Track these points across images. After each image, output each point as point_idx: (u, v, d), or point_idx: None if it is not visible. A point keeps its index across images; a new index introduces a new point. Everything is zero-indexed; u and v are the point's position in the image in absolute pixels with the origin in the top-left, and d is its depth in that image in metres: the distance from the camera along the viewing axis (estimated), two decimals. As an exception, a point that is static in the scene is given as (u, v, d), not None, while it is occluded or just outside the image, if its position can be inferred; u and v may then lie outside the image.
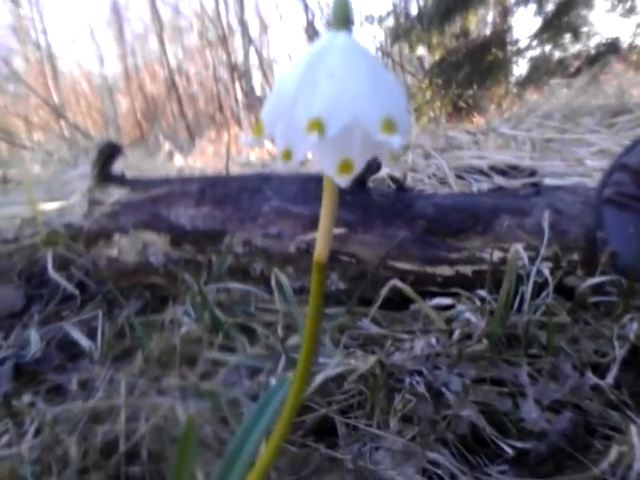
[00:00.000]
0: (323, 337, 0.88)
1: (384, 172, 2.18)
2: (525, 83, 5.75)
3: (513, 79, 6.08)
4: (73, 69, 7.73)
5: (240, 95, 7.71)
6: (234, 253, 1.18)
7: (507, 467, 0.64)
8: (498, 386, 0.76)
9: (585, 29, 5.14)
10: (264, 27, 8.47)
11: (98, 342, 1.02)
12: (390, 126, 0.28)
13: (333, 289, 1.12)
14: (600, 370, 0.79)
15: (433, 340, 0.84)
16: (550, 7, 5.19)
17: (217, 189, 1.25)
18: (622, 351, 0.80)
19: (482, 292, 0.95)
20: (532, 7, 5.37)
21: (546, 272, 0.96)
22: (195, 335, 0.94)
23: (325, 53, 0.29)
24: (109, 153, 1.28)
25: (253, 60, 8.01)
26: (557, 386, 0.76)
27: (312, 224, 1.15)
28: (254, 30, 8.45)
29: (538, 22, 5.33)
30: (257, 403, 0.55)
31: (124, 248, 1.24)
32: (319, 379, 0.74)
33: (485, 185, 1.91)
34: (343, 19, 0.30)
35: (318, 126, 0.27)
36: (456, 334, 0.85)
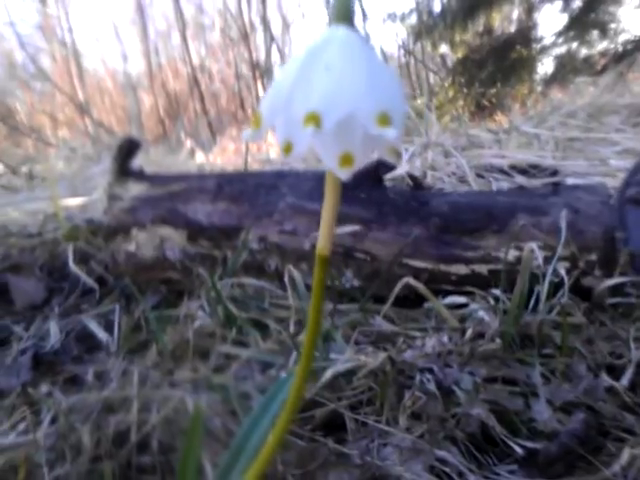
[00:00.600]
0: (335, 333, 0.89)
1: (403, 170, 2.18)
2: (550, 81, 5.67)
3: (538, 77, 5.99)
4: (98, 67, 7.86)
5: (262, 93, 7.75)
6: (250, 249, 1.19)
7: (516, 467, 0.64)
8: (510, 385, 0.75)
9: (613, 26, 5.04)
10: (286, 25, 8.49)
11: (115, 335, 1.03)
12: (385, 120, 0.28)
13: (347, 286, 1.12)
14: (615, 372, 0.78)
15: (445, 338, 0.83)
16: (577, 3, 5.09)
17: (234, 185, 1.26)
18: (638, 353, 0.79)
19: (496, 291, 0.94)
20: (558, 4, 5.27)
21: (562, 272, 0.94)
22: (209, 329, 0.95)
23: (324, 47, 0.29)
24: (128, 149, 1.30)
25: (275, 58, 8.05)
26: (570, 387, 0.75)
27: (327, 221, 1.15)
28: (276, 28, 8.48)
29: (564, 19, 5.24)
30: (264, 396, 0.55)
31: (142, 243, 1.26)
32: (329, 374, 0.74)
33: (505, 184, 1.89)
34: (343, 14, 0.30)
35: (314, 120, 0.28)
36: (469, 333, 0.85)
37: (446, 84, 6.37)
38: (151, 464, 0.64)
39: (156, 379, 0.78)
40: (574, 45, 5.51)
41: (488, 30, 6.17)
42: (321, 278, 0.40)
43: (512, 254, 1.01)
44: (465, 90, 5.96)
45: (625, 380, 0.75)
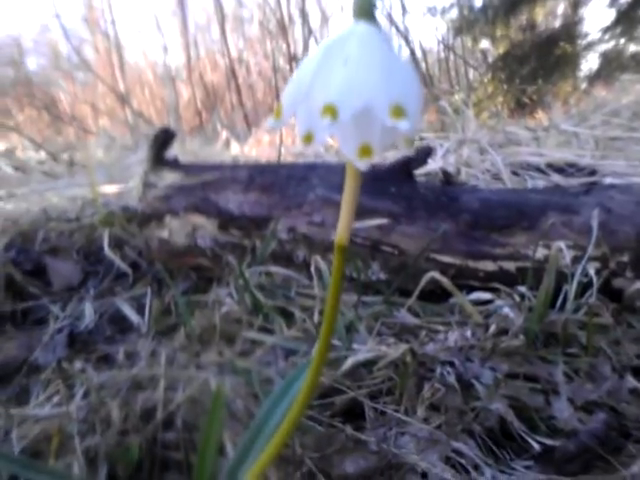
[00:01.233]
0: (358, 324, 0.90)
1: (436, 166, 2.17)
2: (594, 78, 5.51)
3: (581, 74, 5.83)
4: (139, 59, 8.02)
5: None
6: (279, 239, 1.21)
7: (532, 463, 0.64)
8: (531, 382, 0.75)
9: (662, 22, 4.87)
10: (325, 18, 8.48)
11: (146, 317, 1.07)
12: (399, 112, 0.29)
13: (374, 279, 1.13)
14: (641, 374, 0.77)
15: (468, 333, 0.83)
16: (625, -2, 4.94)
17: (265, 176, 1.29)
18: (666, 356, 0.77)
19: (522, 288, 0.94)
20: (606, -1, 5.12)
21: (592, 272, 0.93)
22: (236, 315, 0.97)
23: (344, 41, 0.30)
24: (164, 139, 1.34)
25: (313, 51, 8.00)
26: (593, 387, 0.74)
27: (356, 213, 1.16)
28: (315, 21, 8.48)
29: (612, 14, 5.08)
30: (284, 381, 0.57)
31: (175, 230, 1.30)
32: (350, 363, 0.76)
33: (541, 183, 1.86)
34: (365, 9, 0.31)
35: (331, 111, 0.29)
36: (492, 328, 0.85)
37: (485, 80, 6.26)
38: (175, 441, 0.67)
39: (183, 360, 0.81)
40: (621, 41, 5.34)
41: (531, 25, 6.03)
42: (340, 267, 0.41)
43: (541, 252, 1.01)
44: (505, 86, 5.85)
45: (651, 382, 0.74)
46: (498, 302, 0.93)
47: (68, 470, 0.63)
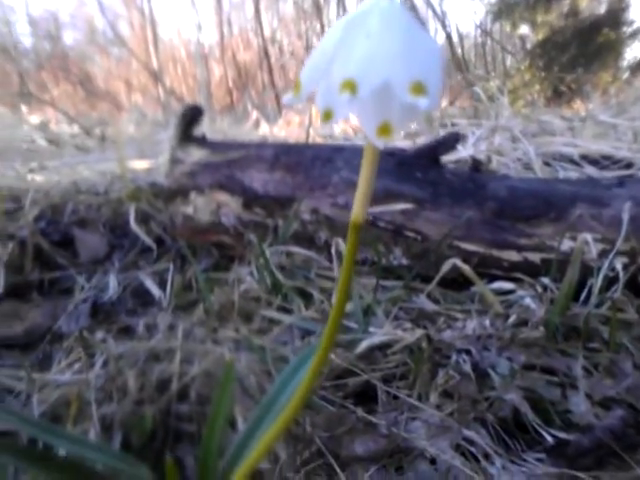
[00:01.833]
0: (376, 308, 0.89)
1: (467, 153, 2.13)
2: (637, 68, 5.33)
3: (624, 63, 5.65)
4: (173, 36, 8.05)
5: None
6: (302, 220, 1.21)
7: (545, 455, 0.63)
8: (548, 375, 0.74)
9: None
10: (361, -1, 8.34)
11: (167, 292, 1.08)
12: (419, 88, 0.28)
13: (395, 264, 1.12)
14: (664, 372, 0.75)
15: (487, 322, 0.82)
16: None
17: (291, 156, 1.28)
18: (691, 355, 0.75)
19: (546, 280, 0.92)
20: (654, -16, 4.92)
21: (619, 267, 0.91)
22: (255, 294, 0.98)
23: (366, 16, 0.30)
24: (192, 116, 1.34)
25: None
26: (612, 383, 0.73)
27: (380, 197, 1.15)
28: (350, 1, 8.37)
29: (661, 0, 4.88)
30: (296, 358, 0.57)
31: (199, 207, 1.31)
32: (365, 345, 0.76)
33: (573, 174, 1.82)
34: (387, -18, 0.30)
35: (350, 87, 0.28)
36: (512, 318, 0.84)
37: (523, 67, 6.11)
38: (189, 413, 0.68)
39: (200, 335, 0.82)
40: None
41: (574, 11, 5.84)
42: (354, 246, 0.41)
43: (567, 244, 0.98)
44: (542, 74, 5.70)
45: (673, 381, 0.72)
46: (520, 292, 0.92)
47: (85, 436, 0.64)
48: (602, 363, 0.76)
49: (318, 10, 7.57)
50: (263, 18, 7.54)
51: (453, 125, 2.78)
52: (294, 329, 0.87)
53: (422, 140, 2.26)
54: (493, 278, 1.01)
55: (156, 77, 6.70)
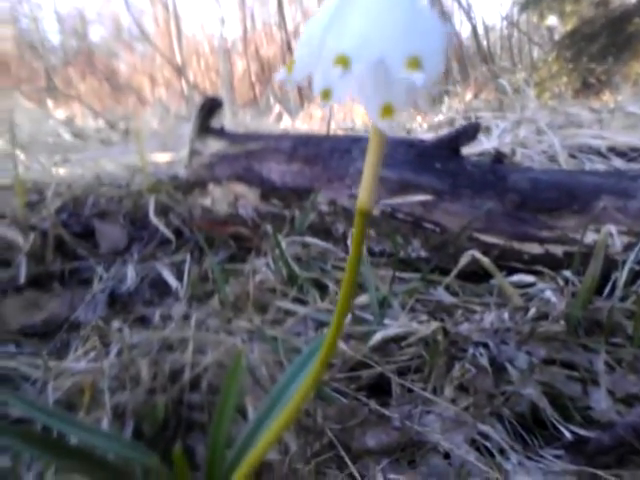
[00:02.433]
0: (393, 300, 0.88)
1: (491, 145, 2.10)
2: (669, 59, 5.17)
3: (657, 54, 5.48)
4: (196, 31, 8.09)
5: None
6: (319, 212, 1.20)
7: (563, 452, 0.61)
8: (569, 370, 0.72)
9: None
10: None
11: (184, 283, 1.08)
12: (415, 63, 0.27)
13: (413, 256, 1.11)
14: (690, 369, 0.72)
15: (505, 315, 0.80)
16: None
17: (309, 148, 1.27)
18: None
19: (568, 273, 0.89)
20: (687, -28, 4.76)
21: (645, 259, 0.88)
22: (271, 285, 0.98)
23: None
24: (210, 107, 1.34)
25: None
26: (636, 379, 0.70)
27: (399, 188, 1.13)
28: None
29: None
30: (307, 349, 0.56)
31: (217, 199, 1.31)
32: (379, 337, 0.74)
33: (599, 167, 1.77)
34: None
35: (344, 61, 0.27)
36: (532, 312, 0.81)
37: (550, 58, 5.98)
38: (200, 403, 0.67)
39: (214, 325, 0.82)
40: None
41: (604, 0, 5.69)
42: (361, 233, 0.40)
43: (591, 237, 0.95)
44: (570, 66, 5.57)
45: (700, 378, 0.69)
46: (540, 285, 0.89)
47: (97, 424, 0.65)
48: (625, 359, 0.74)
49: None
50: (286, 12, 7.53)
51: (477, 118, 2.74)
52: (308, 320, 0.86)
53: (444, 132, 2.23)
54: (513, 271, 0.99)
55: (180, 72, 6.75)
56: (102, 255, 1.30)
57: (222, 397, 0.52)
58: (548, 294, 0.85)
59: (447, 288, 0.97)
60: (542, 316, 0.81)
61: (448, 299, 0.91)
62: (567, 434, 0.63)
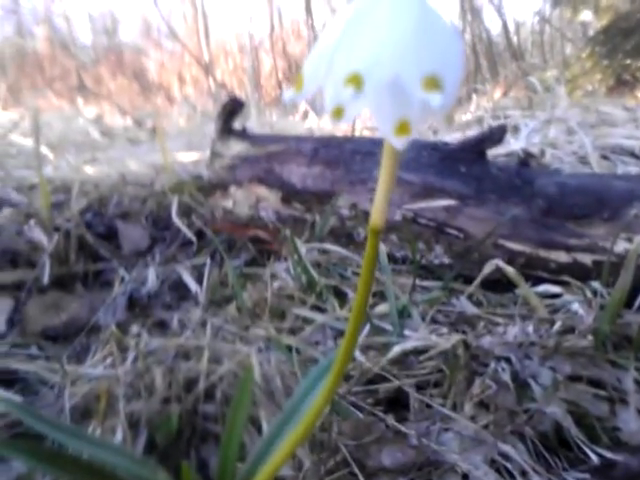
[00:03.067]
0: (413, 310, 0.86)
1: (519, 146, 2.05)
2: None
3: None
4: (224, 29, 8.11)
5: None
6: (340, 216, 1.18)
7: (589, 476, 0.59)
8: (595, 388, 0.69)
9: None
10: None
11: (204, 287, 1.08)
12: (433, 83, 0.25)
13: (436, 263, 1.08)
14: None
15: (530, 328, 0.78)
16: None
17: (330, 150, 1.25)
18: None
19: (596, 284, 0.86)
20: None
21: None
22: (289, 291, 0.96)
23: (375, 4, 0.27)
24: (232, 108, 1.33)
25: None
26: (668, 399, 0.67)
27: (422, 193, 1.11)
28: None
29: None
30: (323, 361, 0.55)
31: (238, 201, 1.30)
32: (398, 350, 0.72)
33: (633, 169, 1.71)
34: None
35: (356, 81, 0.25)
36: (557, 325, 0.78)
37: (583, 55, 5.82)
38: (214, 413, 0.67)
39: (231, 333, 0.81)
40: None
41: (642, -7, 5.52)
42: (373, 252, 0.38)
43: (622, 246, 0.92)
44: (605, 62, 5.42)
45: None
46: (567, 297, 0.86)
47: (111, 434, 0.64)
48: (657, 377, 0.70)
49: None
50: (314, 9, 7.51)
51: (506, 117, 2.68)
52: (327, 329, 0.85)
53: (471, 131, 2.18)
54: (539, 280, 0.96)
55: (207, 70, 6.79)
56: (124, 256, 1.31)
57: (232, 411, 0.51)
58: (575, 306, 0.82)
59: (470, 297, 0.94)
60: (568, 330, 0.78)
61: (470, 309, 0.89)
62: (593, 456, 0.60)
